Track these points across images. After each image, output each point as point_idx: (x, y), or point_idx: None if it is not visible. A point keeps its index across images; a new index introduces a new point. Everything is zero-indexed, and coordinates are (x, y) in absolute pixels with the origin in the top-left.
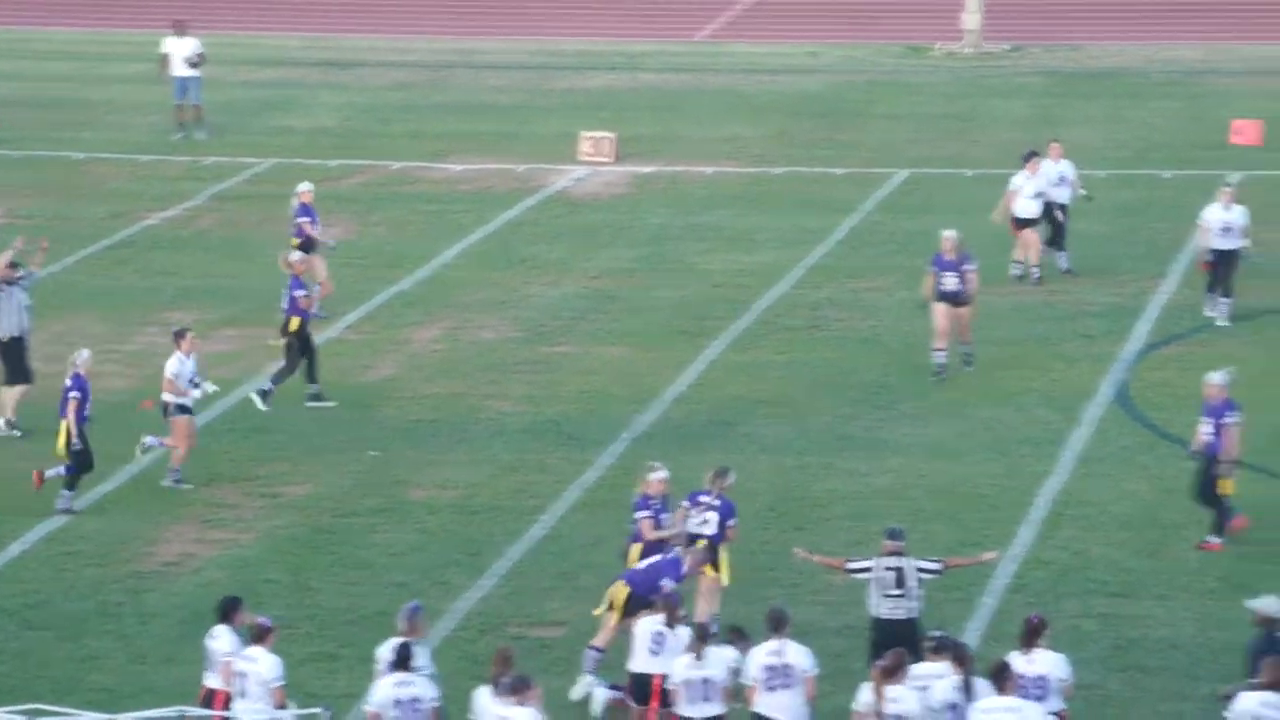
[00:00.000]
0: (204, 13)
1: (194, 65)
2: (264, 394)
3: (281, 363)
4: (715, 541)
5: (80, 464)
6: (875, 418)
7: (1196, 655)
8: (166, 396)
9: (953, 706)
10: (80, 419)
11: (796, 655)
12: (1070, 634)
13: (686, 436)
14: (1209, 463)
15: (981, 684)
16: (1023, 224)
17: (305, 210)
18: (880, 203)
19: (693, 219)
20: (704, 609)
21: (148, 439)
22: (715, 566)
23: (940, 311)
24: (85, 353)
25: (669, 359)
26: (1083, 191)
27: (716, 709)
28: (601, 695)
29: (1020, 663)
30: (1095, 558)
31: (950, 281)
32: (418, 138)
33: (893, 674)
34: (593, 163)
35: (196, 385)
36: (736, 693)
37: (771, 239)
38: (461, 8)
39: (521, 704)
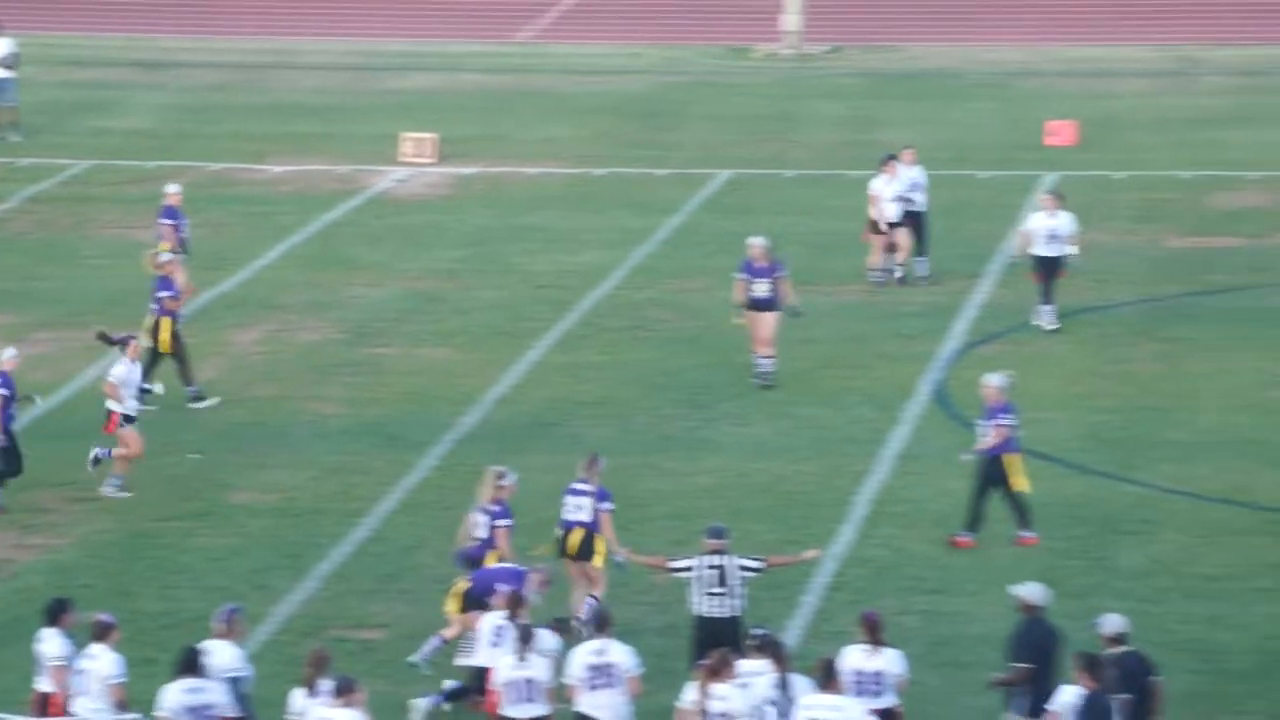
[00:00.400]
0: (18, 13)
1: (8, 67)
2: (196, 397)
3: (179, 364)
4: (592, 529)
5: (9, 463)
6: (697, 418)
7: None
8: (111, 404)
9: (771, 704)
10: (6, 418)
11: (619, 654)
12: (891, 631)
13: (509, 438)
14: (990, 464)
15: (800, 681)
16: (889, 226)
17: (170, 212)
18: (702, 203)
19: (515, 220)
20: (581, 596)
21: (97, 450)
22: (592, 555)
23: (754, 319)
24: (11, 350)
25: (492, 360)
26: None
27: (540, 709)
28: (423, 704)
29: (860, 659)
30: (914, 555)
31: (761, 288)
32: (237, 139)
33: (718, 673)
34: (414, 164)
35: (147, 391)
36: (559, 692)
37: (594, 240)
38: (278, 8)
39: (347, 706)
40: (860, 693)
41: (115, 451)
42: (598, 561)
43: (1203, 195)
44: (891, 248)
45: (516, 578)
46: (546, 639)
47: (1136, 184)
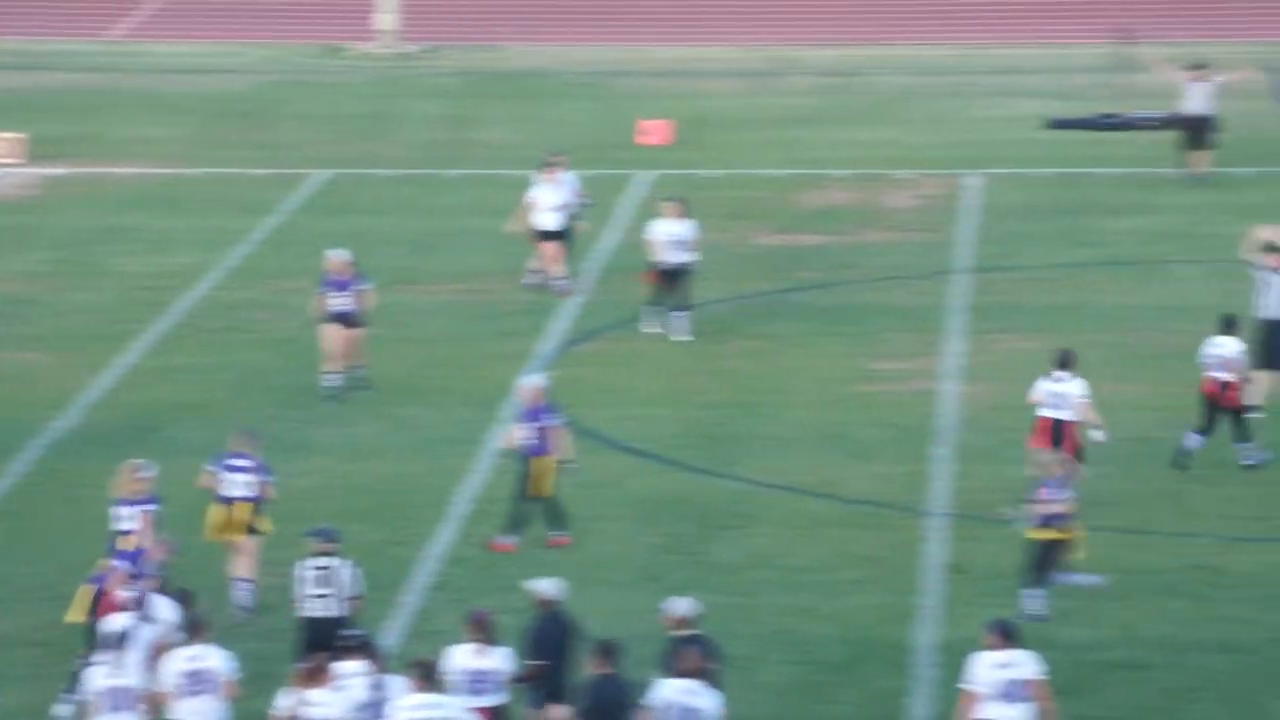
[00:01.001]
0: None
1: None
2: None
3: None
4: (256, 501)
5: None
6: (298, 418)
7: None
8: None
9: (367, 705)
10: None
11: (215, 660)
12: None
13: (106, 442)
14: (527, 464)
15: (396, 682)
16: (544, 235)
17: None
18: (301, 203)
19: (109, 221)
20: (244, 568)
21: None
22: (255, 530)
23: (331, 334)
24: None
25: (86, 363)
26: (588, 201)
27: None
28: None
29: (469, 657)
30: (515, 554)
31: (341, 302)
32: None
33: (314, 677)
34: (2, 165)
35: None
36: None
37: (191, 241)
38: None
39: None
40: (471, 691)
41: None
42: (256, 533)
43: (791, 193)
44: (551, 254)
45: (134, 560)
46: (163, 608)
47: (727, 182)
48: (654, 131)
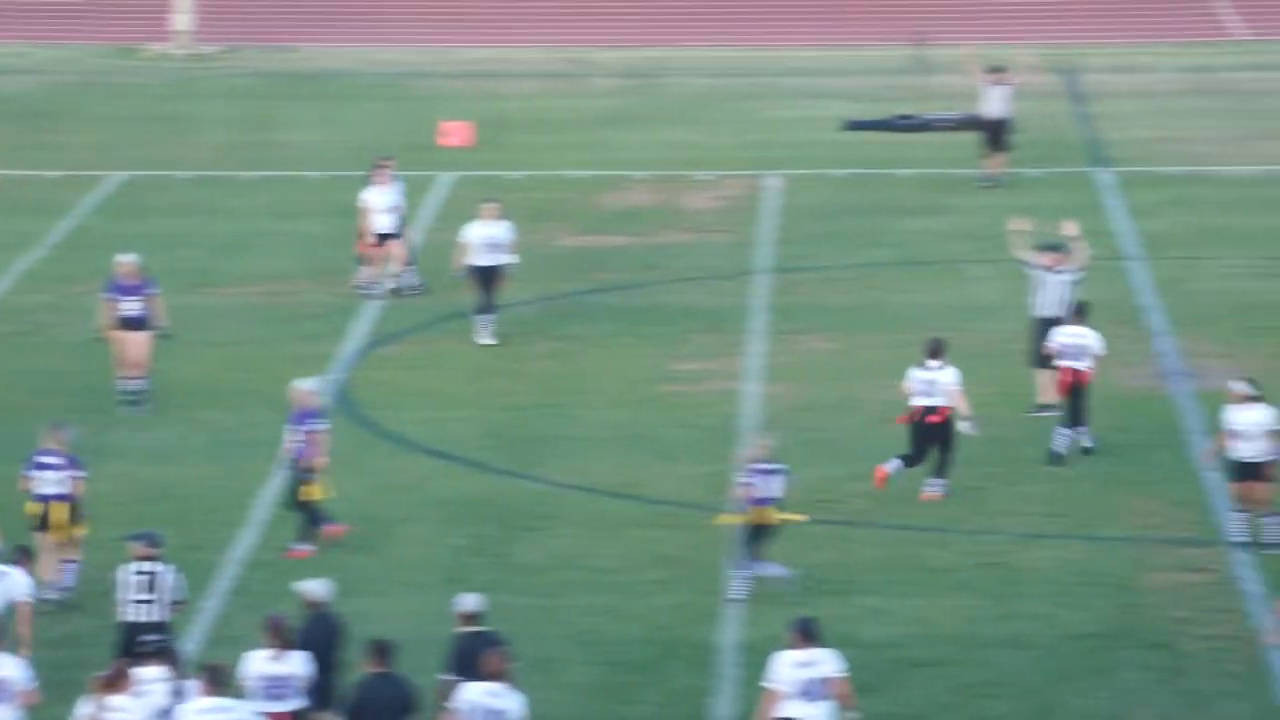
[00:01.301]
0: None
1: None
2: None
3: None
4: (69, 500)
5: None
6: (95, 423)
7: (417, 649)
8: None
9: (166, 711)
10: None
11: (11, 669)
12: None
13: None
14: (296, 469)
15: (195, 686)
16: (382, 238)
17: None
18: (95, 206)
19: None
20: (56, 565)
21: None
22: (70, 525)
23: (122, 339)
24: None
25: None
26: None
27: None
28: None
29: (265, 663)
30: (315, 558)
31: (130, 307)
32: None
33: (114, 683)
34: None
35: None
36: None
37: None
38: None
39: None
40: (267, 696)
41: None
42: (78, 531)
43: (593, 194)
44: (384, 259)
45: None
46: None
47: (529, 184)
48: (455, 133)
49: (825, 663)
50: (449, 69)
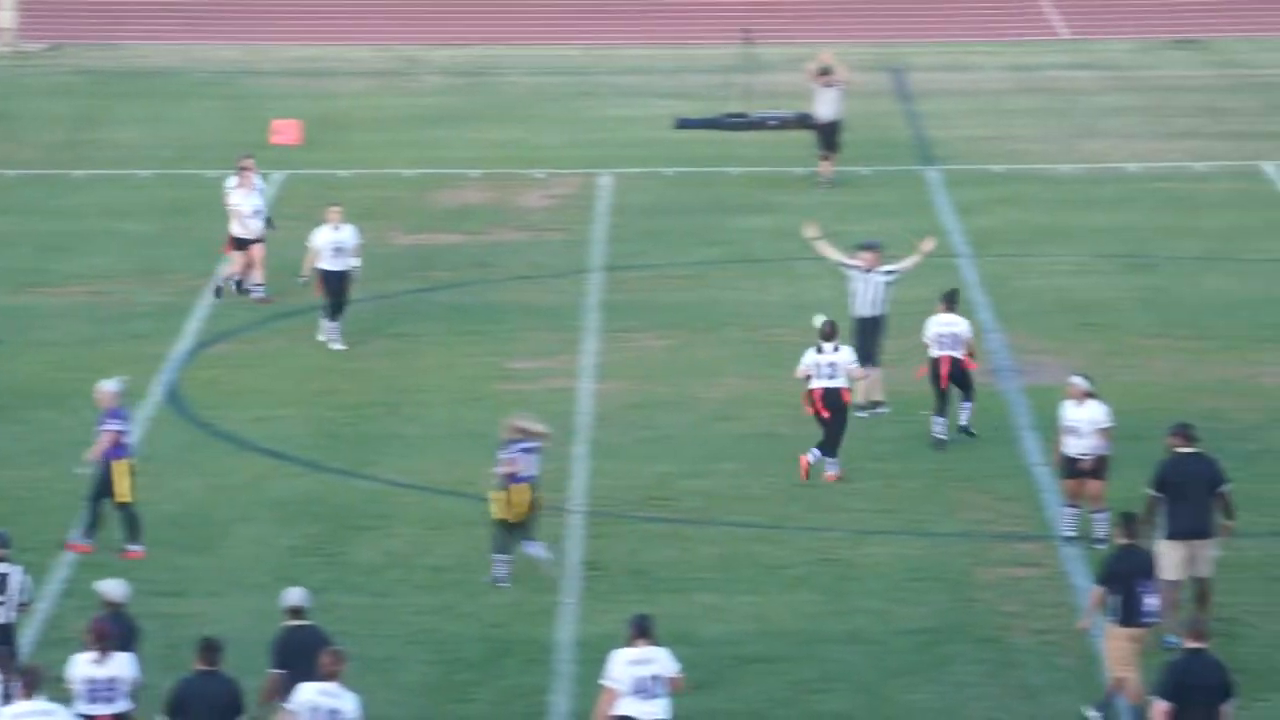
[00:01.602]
0: None
1: None
2: None
3: None
4: None
5: None
6: None
7: (252, 650)
8: None
9: None
10: None
11: None
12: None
13: None
14: (107, 467)
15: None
16: (241, 243)
17: None
18: None
19: None
20: None
21: None
22: None
23: None
24: None
25: None
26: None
27: None
28: None
29: (90, 667)
30: (149, 559)
31: None
32: None
33: None
34: None
35: None
36: None
37: None
38: None
39: None
40: (93, 700)
41: None
42: None
43: (426, 193)
44: (249, 263)
45: None
46: None
47: (361, 182)
48: (285, 131)
49: (661, 660)
50: (278, 67)
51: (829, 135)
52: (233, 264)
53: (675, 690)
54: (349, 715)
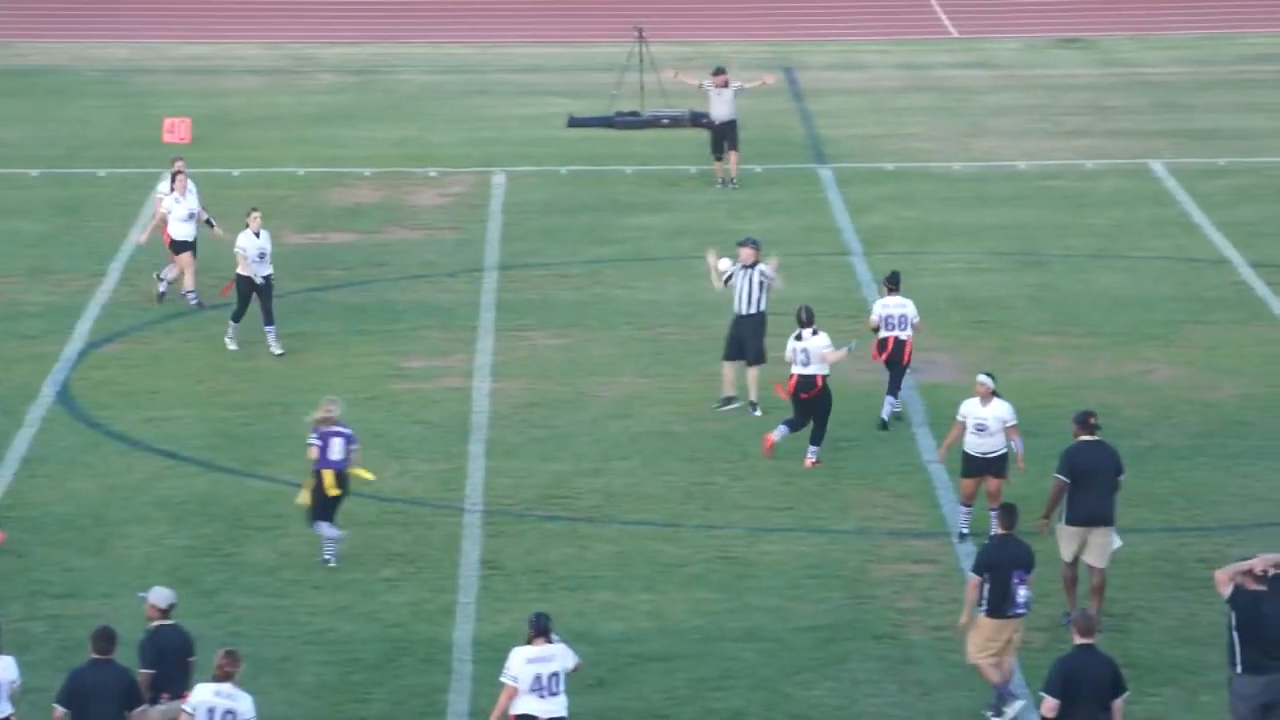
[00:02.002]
0: None
1: None
2: None
3: None
4: None
5: None
6: None
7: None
8: None
9: None
10: None
11: None
12: (18, 637)
13: None
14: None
15: None
16: (179, 246)
17: None
18: None
19: None
20: None
21: None
22: None
23: None
24: None
25: None
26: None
27: None
28: None
29: None
30: (40, 559)
31: None
32: None
33: None
34: None
35: None
36: None
37: None
38: None
39: None
40: None
41: None
42: None
43: (319, 192)
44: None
45: None
46: None
47: (253, 181)
48: (176, 129)
49: (561, 658)
50: (168, 65)
51: (727, 136)
52: (173, 267)
53: (576, 671)
54: (245, 716)
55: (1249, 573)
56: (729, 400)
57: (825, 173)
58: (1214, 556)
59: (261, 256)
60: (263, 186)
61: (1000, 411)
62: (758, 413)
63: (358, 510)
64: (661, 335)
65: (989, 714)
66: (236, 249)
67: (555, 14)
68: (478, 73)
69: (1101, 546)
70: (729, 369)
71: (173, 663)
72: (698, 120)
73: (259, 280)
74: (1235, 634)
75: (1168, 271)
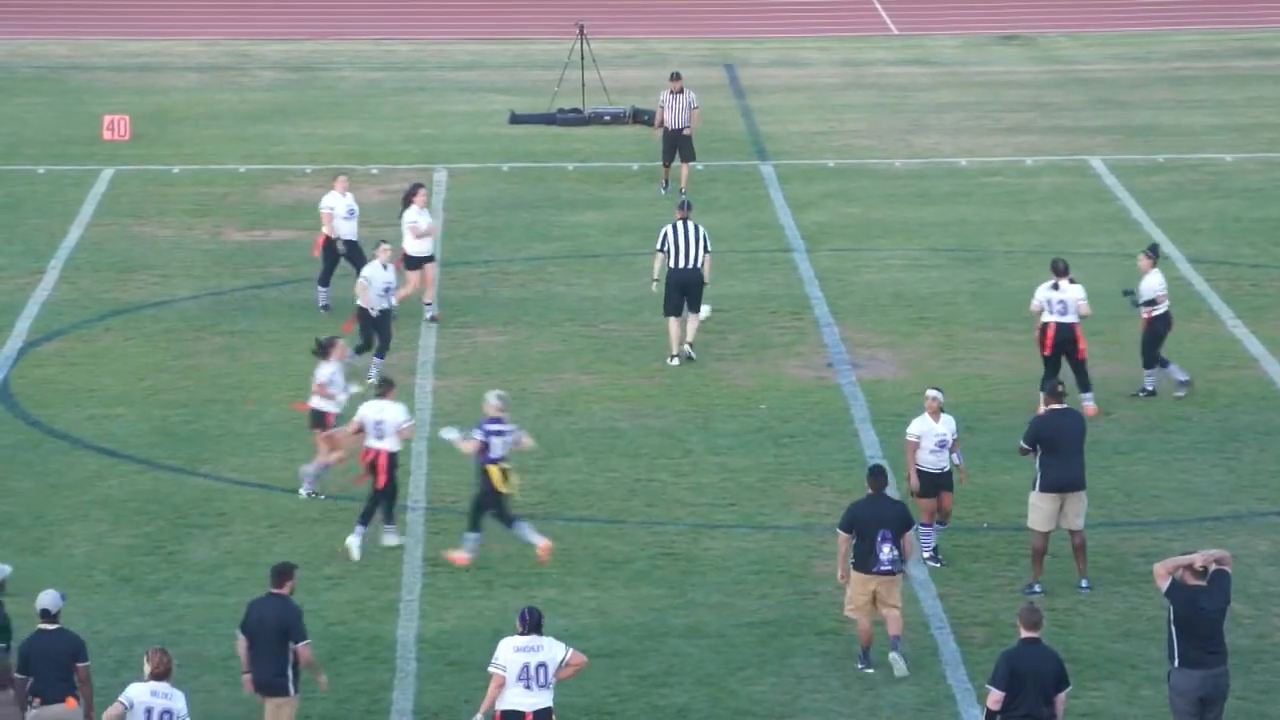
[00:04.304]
0: None
1: None
2: None
3: None
4: None
5: None
6: None
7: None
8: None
9: None
10: None
11: None
12: None
13: None
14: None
15: None
16: (413, 262)
17: None
18: None
19: None
20: None
21: None
22: None
23: None
24: None
25: None
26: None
27: None
28: None
29: None
30: None
31: None
32: None
33: None
34: None
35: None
36: None
37: None
38: None
39: None
40: None
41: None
42: None
43: (259, 188)
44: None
45: None
46: None
47: (192, 178)
48: (116, 127)
49: (548, 649)
50: (106, 62)
51: (680, 146)
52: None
53: (578, 666)
54: (181, 714)
55: (1189, 567)
56: (679, 356)
57: (766, 169)
58: (1154, 551)
59: (386, 290)
60: (203, 184)
61: (952, 425)
62: (692, 355)
63: (300, 508)
64: (604, 332)
65: (858, 665)
66: (361, 278)
67: (496, 11)
68: (418, 69)
69: (1075, 510)
70: (674, 325)
71: (49, 669)
72: (639, 117)
73: (374, 314)
74: (1173, 629)
75: (1107, 268)
